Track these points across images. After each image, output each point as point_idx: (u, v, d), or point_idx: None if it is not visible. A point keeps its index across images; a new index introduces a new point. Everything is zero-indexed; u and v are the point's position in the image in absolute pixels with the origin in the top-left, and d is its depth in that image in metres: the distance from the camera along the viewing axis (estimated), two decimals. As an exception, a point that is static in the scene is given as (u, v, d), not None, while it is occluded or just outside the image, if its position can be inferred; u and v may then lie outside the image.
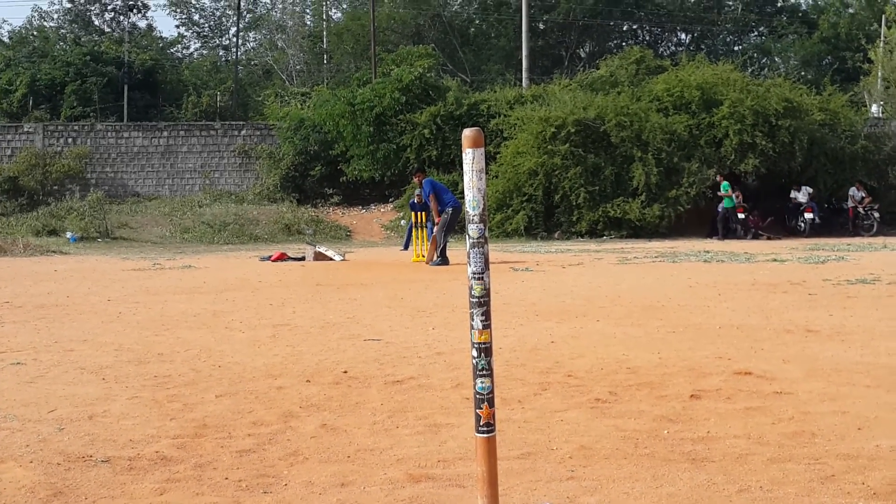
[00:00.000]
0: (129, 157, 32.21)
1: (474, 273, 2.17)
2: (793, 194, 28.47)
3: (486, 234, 2.21)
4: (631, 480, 2.95)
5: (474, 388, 2.18)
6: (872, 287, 9.66)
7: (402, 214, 29.63)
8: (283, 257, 17.77)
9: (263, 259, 17.94)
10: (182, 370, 5.11)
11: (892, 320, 6.89)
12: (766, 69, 46.03)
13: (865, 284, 9.95)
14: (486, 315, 2.18)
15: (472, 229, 2.18)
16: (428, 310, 8.29)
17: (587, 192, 26.60)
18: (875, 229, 27.51)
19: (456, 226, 16.15)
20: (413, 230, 18.41)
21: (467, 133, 2.19)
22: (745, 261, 14.93)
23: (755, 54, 46.97)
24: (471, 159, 2.17)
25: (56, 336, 6.63)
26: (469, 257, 2.18)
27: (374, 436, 3.58)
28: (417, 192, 17.90)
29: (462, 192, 15.50)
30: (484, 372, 2.17)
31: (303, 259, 17.78)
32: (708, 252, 17.89)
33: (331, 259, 17.59)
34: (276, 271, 14.46)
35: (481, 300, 2.17)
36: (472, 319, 2.18)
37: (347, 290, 10.50)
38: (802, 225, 27.80)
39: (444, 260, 15.53)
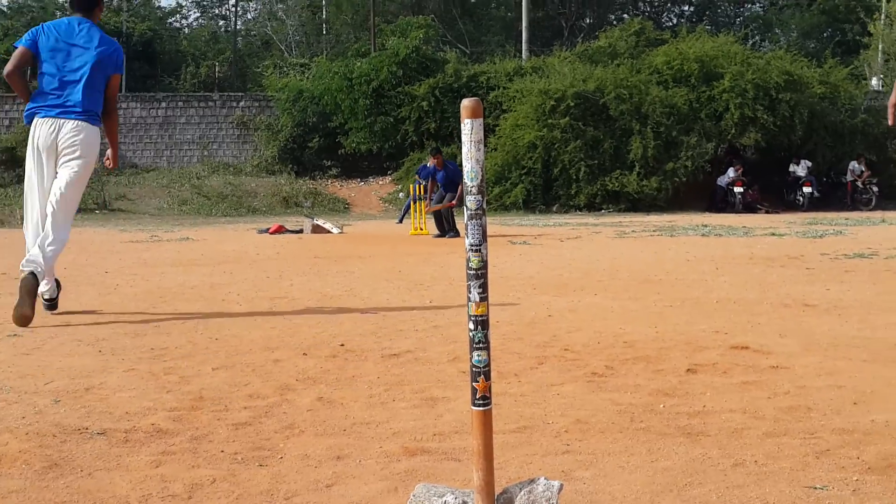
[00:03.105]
0: (128, 128, 32.13)
1: (472, 245, 2.16)
2: (791, 168, 28.49)
3: (485, 206, 2.19)
4: (626, 454, 2.95)
5: (470, 361, 2.17)
6: (870, 261, 9.66)
7: (400, 187, 29.63)
8: (280, 230, 17.79)
9: (261, 231, 17.96)
10: (179, 342, 5.11)
11: (889, 295, 6.89)
12: (767, 41, 45.89)
13: (863, 259, 9.96)
14: (484, 287, 2.17)
15: (470, 201, 2.17)
16: (426, 283, 8.29)
17: (587, 166, 26.59)
18: (873, 203, 27.56)
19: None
20: (412, 204, 18.35)
21: (466, 103, 2.17)
22: (742, 235, 14.94)
23: (756, 26, 46.79)
24: (469, 130, 2.15)
25: (53, 308, 6.63)
26: (467, 229, 2.17)
27: (370, 409, 3.58)
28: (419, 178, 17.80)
29: (461, 164, 15.54)
30: (480, 345, 2.16)
31: (300, 232, 17.80)
32: (706, 226, 17.91)
33: (329, 232, 17.61)
34: (274, 244, 14.47)
35: (479, 272, 2.16)
36: (470, 292, 2.17)
37: (345, 263, 10.50)
38: (801, 199, 27.84)
39: (456, 233, 15.68)
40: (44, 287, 6.11)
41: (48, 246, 6.02)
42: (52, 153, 6.13)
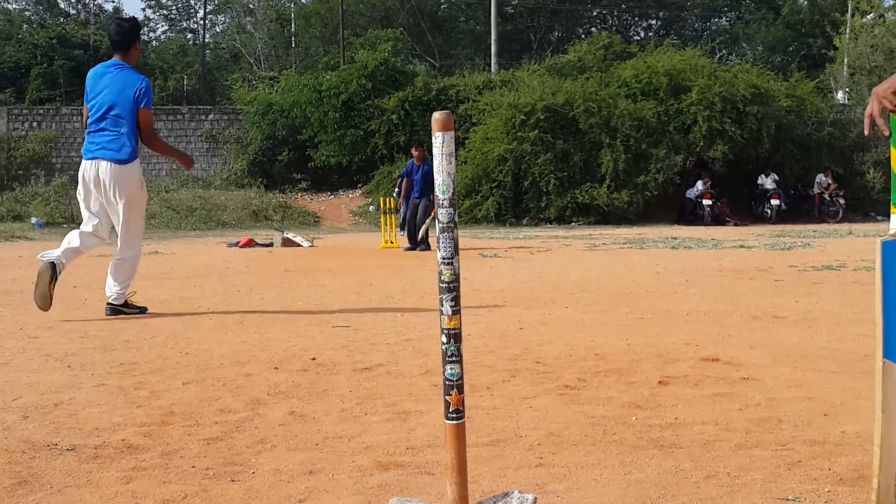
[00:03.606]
0: (95, 142, 31.84)
1: (444, 258, 2.16)
2: (760, 180, 28.68)
3: (456, 219, 2.19)
4: (599, 467, 2.96)
5: (444, 374, 2.17)
6: (838, 273, 9.74)
7: (370, 200, 29.58)
8: (250, 243, 17.72)
9: (231, 245, 17.88)
10: (149, 357, 5.08)
11: (857, 307, 6.94)
12: (734, 55, 46.27)
13: (831, 271, 10.03)
14: (456, 301, 2.17)
15: (442, 213, 2.17)
16: (397, 296, 8.28)
17: (556, 179, 26.65)
18: (840, 216, 27.80)
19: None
20: (383, 216, 18.23)
21: (437, 116, 2.18)
22: (712, 247, 15.03)
23: (722, 40, 47.18)
24: (440, 143, 2.16)
25: (21, 322, 6.57)
26: (438, 242, 2.17)
27: (342, 423, 3.57)
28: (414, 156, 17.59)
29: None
30: (453, 358, 2.16)
31: (271, 245, 17.74)
32: (675, 238, 18.00)
33: (299, 245, 17.55)
34: (244, 257, 14.41)
35: (451, 285, 2.16)
36: (442, 305, 2.17)
37: (316, 277, 10.47)
38: (769, 211, 28.02)
39: (427, 246, 15.60)
40: (114, 291, 7.04)
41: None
42: (98, 188, 7.00)
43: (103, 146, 6.92)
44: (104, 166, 6.91)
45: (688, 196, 28.05)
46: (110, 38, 7.13)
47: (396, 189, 17.55)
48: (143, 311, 7.16)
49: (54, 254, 6.83)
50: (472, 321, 6.29)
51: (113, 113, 6.89)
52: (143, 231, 7.27)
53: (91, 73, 7.12)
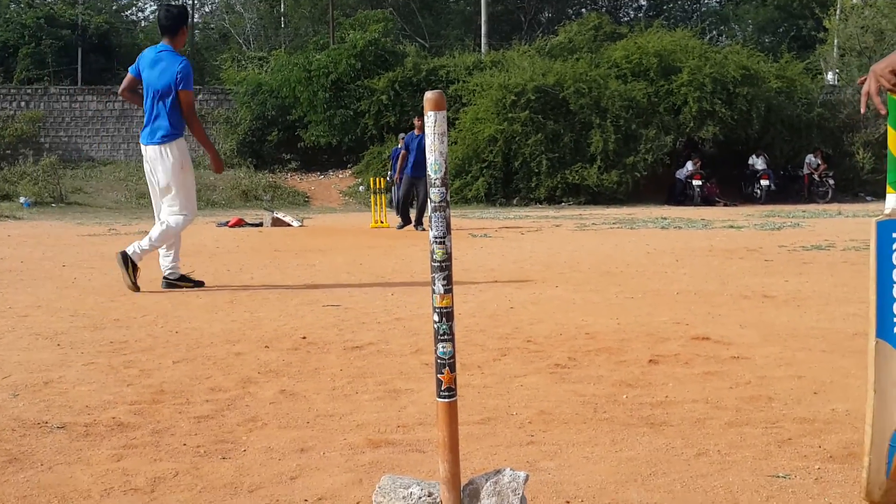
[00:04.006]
0: (84, 122, 31.79)
1: (436, 237, 2.15)
2: (751, 161, 28.72)
3: (448, 199, 2.18)
4: (590, 445, 2.96)
5: (435, 352, 2.17)
6: (827, 253, 9.76)
7: (360, 180, 29.54)
8: (240, 223, 17.70)
9: (221, 225, 17.86)
10: (139, 336, 5.07)
11: (846, 286, 6.96)
12: (724, 36, 46.24)
13: (820, 251, 10.06)
14: (448, 279, 2.16)
15: (434, 193, 2.16)
16: (387, 275, 8.27)
17: (547, 160, 26.65)
18: (830, 196, 27.86)
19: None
20: (372, 196, 18.21)
21: (429, 96, 2.16)
22: (702, 227, 15.05)
23: (712, 21, 47.14)
24: (433, 122, 2.14)
25: (10, 301, 6.55)
26: (431, 221, 2.16)
27: (333, 401, 3.57)
28: (402, 136, 17.55)
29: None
30: (445, 336, 2.16)
31: (260, 225, 17.71)
32: (665, 219, 18.01)
33: (289, 225, 17.52)
34: (234, 237, 14.39)
35: (443, 264, 2.15)
36: (434, 284, 2.16)
37: (306, 256, 10.46)
38: (758, 192, 28.07)
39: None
40: (167, 264, 7.47)
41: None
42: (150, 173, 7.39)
43: (147, 132, 7.30)
44: (148, 151, 7.29)
45: (677, 177, 28.09)
46: (159, 22, 7.40)
47: (392, 166, 17.49)
48: (199, 284, 7.50)
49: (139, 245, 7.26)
50: (463, 301, 6.29)
51: (155, 97, 7.20)
52: (194, 211, 7.51)
53: (140, 56, 7.45)
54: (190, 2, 50.12)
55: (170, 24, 7.29)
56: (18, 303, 6.45)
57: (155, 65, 7.23)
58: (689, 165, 27.75)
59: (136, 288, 7.10)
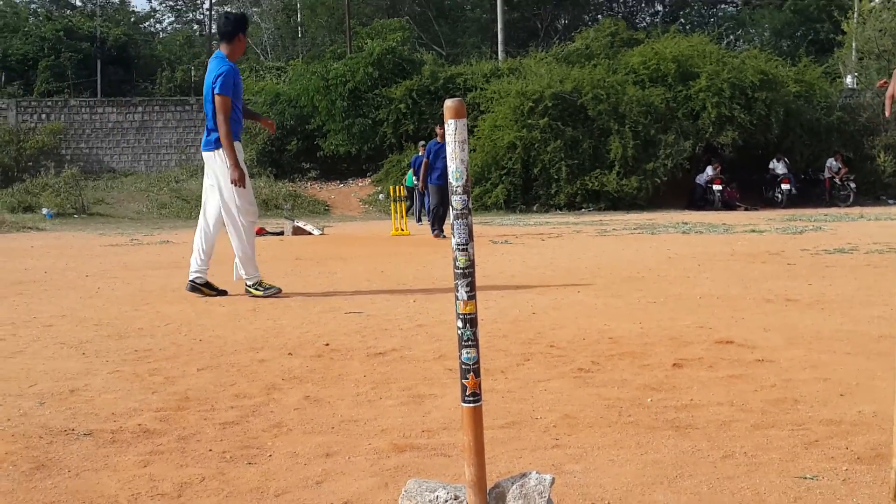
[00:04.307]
0: (104, 133, 31.97)
1: (459, 244, 2.16)
2: (772, 165, 28.64)
3: (470, 206, 2.19)
4: (616, 448, 2.96)
5: (460, 358, 2.17)
6: (850, 256, 9.72)
7: (380, 189, 29.58)
8: (261, 232, 17.74)
9: (241, 234, 17.86)
10: (163, 344, 5.09)
11: (869, 289, 6.92)
12: (741, 41, 46.13)
13: (843, 254, 10.01)
14: (471, 286, 2.16)
15: (456, 200, 2.16)
16: (408, 282, 8.28)
17: (566, 166, 26.64)
18: (851, 200, 27.72)
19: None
20: (392, 204, 18.23)
21: (449, 104, 2.17)
22: (723, 232, 15.00)
23: (729, 25, 47.04)
24: (453, 130, 2.15)
25: (34, 311, 6.58)
26: (453, 229, 2.17)
27: (357, 407, 3.57)
28: (422, 144, 17.64)
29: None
30: (469, 342, 2.16)
31: (281, 234, 17.75)
32: (686, 223, 17.96)
33: (309, 233, 17.56)
34: (255, 246, 14.38)
35: (466, 271, 2.15)
36: (457, 290, 2.17)
37: (327, 264, 10.48)
38: (779, 196, 27.97)
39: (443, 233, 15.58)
40: (196, 266, 7.71)
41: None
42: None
43: (203, 139, 7.53)
44: (205, 157, 7.49)
45: (697, 182, 28.02)
46: (217, 29, 7.57)
47: (414, 174, 17.52)
48: (222, 293, 7.72)
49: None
50: (485, 307, 6.29)
51: (207, 104, 7.35)
52: (255, 212, 7.79)
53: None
54: (207, 13, 50.40)
55: (227, 30, 7.39)
56: (43, 312, 6.49)
57: (208, 73, 7.36)
58: (710, 170, 27.69)
59: (278, 290, 7.56)
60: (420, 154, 17.88)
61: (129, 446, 3.07)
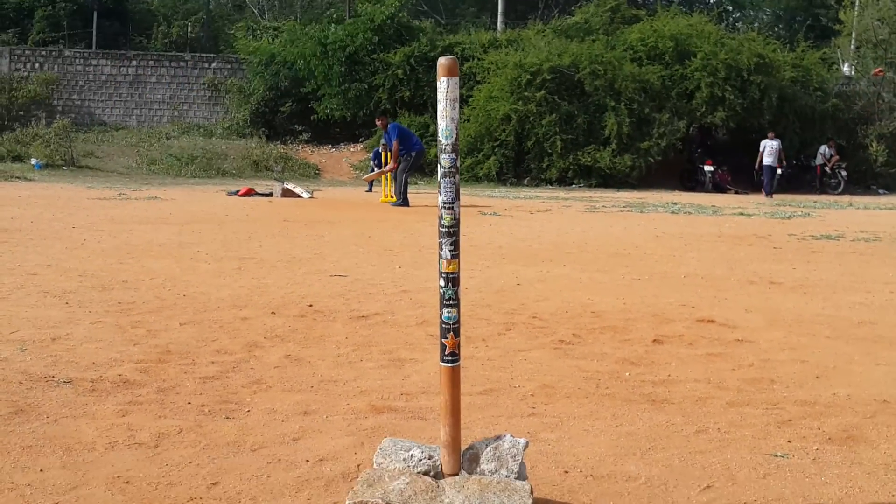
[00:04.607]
0: (97, 86, 31.76)
1: (445, 202, 2.17)
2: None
3: (458, 164, 2.19)
4: (591, 419, 2.98)
5: (440, 317, 2.18)
6: (836, 243, 9.75)
7: (372, 154, 29.52)
8: (250, 192, 17.69)
9: (231, 193, 17.85)
10: (146, 298, 5.09)
11: (853, 276, 6.95)
12: (740, 22, 45.99)
13: (830, 240, 10.04)
14: (455, 245, 2.17)
15: (444, 158, 2.17)
16: (395, 248, 8.29)
17: (560, 140, 26.56)
18: (842, 188, 27.76)
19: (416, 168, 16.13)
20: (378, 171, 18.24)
21: (442, 62, 2.18)
22: (711, 213, 15.02)
23: (729, 7, 46.89)
24: (445, 88, 2.16)
25: (19, 260, 6.58)
26: (440, 186, 2.17)
27: (337, 368, 3.59)
28: (383, 142, 17.70)
29: (434, 136, 15.45)
30: (451, 301, 2.18)
31: (270, 195, 17.71)
32: (675, 204, 17.97)
33: (299, 196, 17.52)
34: (244, 206, 14.39)
35: (451, 230, 2.17)
36: (441, 249, 2.18)
37: (315, 227, 10.47)
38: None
39: (404, 201, 15.45)
40: None
41: None
42: None
43: None
44: None
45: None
46: None
47: (384, 163, 17.45)
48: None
49: None
50: (470, 276, 6.30)
51: None
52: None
53: None
54: (207, -30, 49.97)
55: None
56: (28, 261, 6.49)
57: None
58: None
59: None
60: (379, 148, 18.13)
61: (109, 395, 3.08)
